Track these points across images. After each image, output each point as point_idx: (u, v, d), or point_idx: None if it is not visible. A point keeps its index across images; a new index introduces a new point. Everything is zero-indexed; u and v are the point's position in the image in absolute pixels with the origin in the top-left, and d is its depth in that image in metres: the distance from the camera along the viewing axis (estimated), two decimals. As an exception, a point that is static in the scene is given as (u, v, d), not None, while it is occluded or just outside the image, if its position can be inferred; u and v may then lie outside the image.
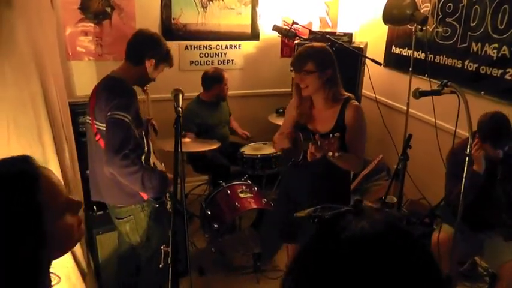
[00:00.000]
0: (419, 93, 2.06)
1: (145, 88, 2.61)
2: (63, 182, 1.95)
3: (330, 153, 2.06)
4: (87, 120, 2.31)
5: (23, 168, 0.98)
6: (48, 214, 0.97)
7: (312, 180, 2.49)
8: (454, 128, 3.23)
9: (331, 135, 2.08)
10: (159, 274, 2.13)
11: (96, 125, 2.22)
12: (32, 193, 0.95)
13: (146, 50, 2.33)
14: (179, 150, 2.03)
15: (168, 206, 2.37)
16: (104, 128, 2.16)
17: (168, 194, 2.41)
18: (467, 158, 2.01)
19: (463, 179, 2.10)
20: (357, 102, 2.41)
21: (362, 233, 0.68)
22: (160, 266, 1.99)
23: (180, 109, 2.20)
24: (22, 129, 1.57)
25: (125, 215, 2.41)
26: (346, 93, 2.46)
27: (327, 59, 2.40)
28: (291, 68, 2.41)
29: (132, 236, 2.46)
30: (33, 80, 1.60)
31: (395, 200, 3.28)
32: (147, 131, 2.48)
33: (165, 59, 2.41)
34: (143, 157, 2.30)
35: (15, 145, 1.57)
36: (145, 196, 2.35)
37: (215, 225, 3.26)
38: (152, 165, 2.43)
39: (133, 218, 2.40)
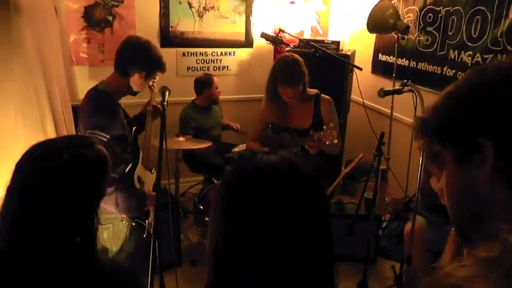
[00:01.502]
0: (384, 93, 2.28)
1: (150, 85, 2.48)
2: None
3: (329, 142, 2.32)
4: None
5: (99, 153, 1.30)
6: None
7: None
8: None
9: (324, 127, 2.35)
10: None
11: None
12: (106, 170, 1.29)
13: (132, 63, 2.23)
14: (164, 143, 2.11)
15: (149, 220, 2.37)
16: None
17: (147, 215, 2.39)
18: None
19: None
20: (327, 96, 2.66)
21: (264, 164, 0.88)
22: (144, 236, 2.15)
23: (165, 103, 2.26)
24: (28, 119, 1.79)
25: (104, 222, 2.32)
26: (312, 90, 2.71)
27: (306, 68, 2.66)
28: (285, 84, 2.59)
29: (108, 244, 2.39)
30: (38, 77, 1.83)
31: (372, 195, 3.48)
32: (135, 139, 2.46)
33: (156, 68, 2.33)
34: (127, 169, 2.30)
35: (22, 133, 1.79)
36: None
37: (207, 219, 3.47)
38: (136, 178, 2.39)
39: (112, 227, 2.35)
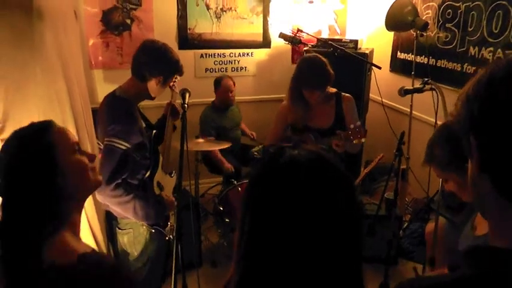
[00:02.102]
0: (404, 91, 2.25)
1: (171, 85, 2.43)
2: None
3: (357, 140, 2.31)
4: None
5: (36, 124, 1.27)
6: (59, 149, 1.23)
7: None
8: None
9: (352, 125, 2.34)
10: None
11: (99, 144, 2.23)
12: (43, 135, 1.23)
13: (152, 67, 2.19)
14: (184, 144, 2.10)
15: (168, 227, 2.38)
16: (102, 148, 2.11)
17: (166, 222, 2.39)
18: None
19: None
20: (347, 94, 2.64)
21: (295, 158, 0.85)
22: (167, 238, 2.16)
23: (186, 105, 2.26)
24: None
25: (125, 227, 2.33)
26: (331, 88, 2.68)
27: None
28: (314, 87, 2.55)
29: (129, 248, 2.37)
30: (59, 80, 1.86)
31: (392, 196, 3.45)
32: (156, 144, 2.43)
33: (174, 72, 2.29)
34: (146, 175, 2.28)
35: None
36: None
37: (227, 220, 3.48)
38: (156, 184, 2.36)
39: (133, 231, 2.33)
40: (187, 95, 2.35)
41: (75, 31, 2.36)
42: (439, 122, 2.54)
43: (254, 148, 4.17)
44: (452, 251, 3.12)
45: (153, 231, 2.36)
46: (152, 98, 2.35)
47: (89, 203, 2.23)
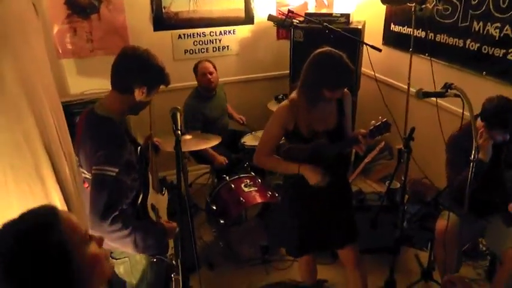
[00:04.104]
0: (423, 94, 2.00)
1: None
2: (66, 207, 1.93)
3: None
4: (76, 158, 2.04)
5: (39, 218, 1.03)
6: (73, 247, 1.02)
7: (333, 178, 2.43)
8: (454, 108, 3.21)
9: (373, 121, 2.24)
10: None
11: (83, 172, 2.00)
12: (50, 232, 1.00)
13: (134, 77, 1.95)
14: (181, 177, 1.91)
15: (169, 252, 2.20)
16: (91, 179, 1.90)
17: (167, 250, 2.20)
18: (473, 149, 1.92)
19: (470, 169, 2.01)
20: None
21: None
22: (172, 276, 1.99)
23: (179, 132, 2.02)
24: (20, 171, 1.53)
25: (120, 256, 2.16)
26: None
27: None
28: (340, 87, 2.27)
29: (127, 278, 2.21)
30: (26, 118, 1.54)
31: (399, 185, 3.28)
32: (146, 162, 2.22)
33: (158, 82, 2.04)
34: (139, 200, 2.09)
35: (14, 188, 1.52)
36: None
37: (221, 221, 3.26)
38: (150, 207, 2.19)
39: (129, 260, 2.17)
40: (178, 117, 2.06)
41: (39, 36, 1.98)
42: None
43: (243, 137, 3.92)
44: (461, 249, 3.01)
45: (154, 260, 2.17)
46: (136, 113, 2.09)
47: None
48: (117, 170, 1.85)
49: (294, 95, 2.36)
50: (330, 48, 2.22)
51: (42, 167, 1.64)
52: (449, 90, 1.91)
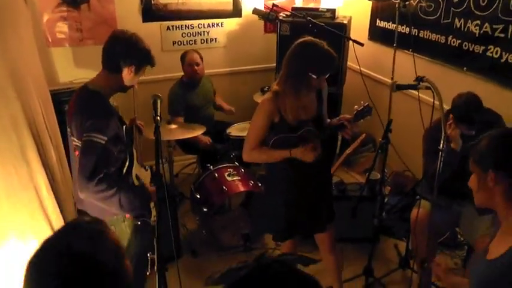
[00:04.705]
0: (397, 87, 2.09)
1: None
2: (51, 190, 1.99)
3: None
4: (68, 130, 2.19)
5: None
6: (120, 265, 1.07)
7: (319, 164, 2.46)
8: (436, 102, 3.29)
9: (356, 106, 2.36)
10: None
11: (74, 141, 2.14)
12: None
13: (123, 56, 2.13)
14: (160, 162, 2.02)
15: (152, 219, 2.29)
16: (80, 145, 2.06)
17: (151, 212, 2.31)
18: (442, 139, 2.01)
19: (439, 157, 2.10)
20: None
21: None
22: (148, 273, 2.06)
23: (158, 118, 2.15)
24: (6, 152, 1.58)
25: None
26: None
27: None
28: (328, 72, 2.34)
29: None
30: (13, 104, 1.60)
31: (379, 176, 3.36)
32: (131, 139, 2.36)
33: (145, 62, 2.22)
34: (124, 169, 2.23)
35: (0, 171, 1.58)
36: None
37: (204, 209, 3.33)
38: (134, 176, 2.33)
39: (115, 228, 2.25)
40: (158, 103, 2.16)
41: (28, 27, 2.04)
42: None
43: (229, 128, 3.98)
44: (437, 235, 3.11)
45: (139, 223, 2.30)
46: (125, 91, 2.28)
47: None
48: (105, 138, 2.02)
49: (275, 87, 2.41)
50: (310, 37, 2.29)
51: (28, 150, 1.70)
52: (421, 82, 1.99)
